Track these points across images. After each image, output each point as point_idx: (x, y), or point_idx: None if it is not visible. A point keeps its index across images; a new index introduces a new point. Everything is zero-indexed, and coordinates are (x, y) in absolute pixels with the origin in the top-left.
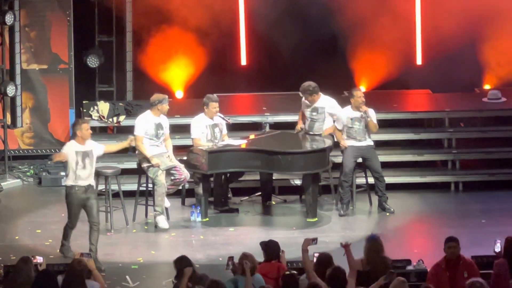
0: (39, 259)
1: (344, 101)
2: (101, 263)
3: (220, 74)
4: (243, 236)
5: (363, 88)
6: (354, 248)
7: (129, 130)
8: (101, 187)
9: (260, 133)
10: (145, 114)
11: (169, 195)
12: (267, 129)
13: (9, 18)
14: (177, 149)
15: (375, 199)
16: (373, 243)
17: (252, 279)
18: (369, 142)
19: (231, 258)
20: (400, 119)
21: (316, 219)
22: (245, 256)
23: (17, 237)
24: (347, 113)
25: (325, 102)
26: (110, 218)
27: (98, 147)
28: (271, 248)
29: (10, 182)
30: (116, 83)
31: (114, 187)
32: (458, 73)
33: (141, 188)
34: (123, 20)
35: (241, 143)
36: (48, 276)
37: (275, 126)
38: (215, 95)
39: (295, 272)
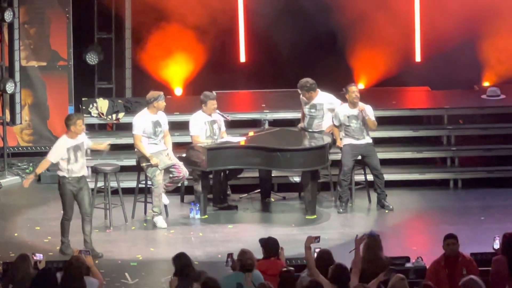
0: (38, 257)
1: (343, 98)
2: (97, 252)
3: (219, 71)
4: (242, 233)
5: (361, 85)
6: (353, 246)
7: (128, 127)
8: (100, 184)
9: (259, 130)
10: (142, 112)
11: (168, 192)
12: (266, 126)
13: (8, 15)
14: (176, 146)
15: (374, 196)
16: (372, 241)
17: (251, 276)
18: (368, 139)
19: (230, 255)
20: (399, 116)
21: (315, 216)
22: (243, 253)
23: (16, 234)
24: (344, 111)
25: (323, 98)
26: (109, 215)
27: (87, 140)
28: (270, 245)
29: (9, 179)
30: (115, 80)
31: (113, 184)
32: (457, 70)
33: (140, 185)
34: (122, 17)
35: (240, 140)
36: (47, 274)
37: (274, 123)
38: (213, 92)
39: (292, 268)
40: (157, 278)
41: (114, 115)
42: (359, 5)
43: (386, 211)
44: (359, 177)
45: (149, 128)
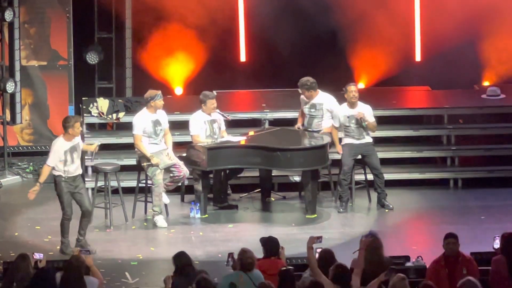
0: (39, 256)
1: (343, 98)
2: (92, 248)
3: (219, 71)
4: (242, 233)
5: (362, 84)
6: (354, 245)
7: (128, 126)
8: (101, 183)
9: (259, 130)
10: (141, 112)
11: (168, 191)
12: (267, 125)
13: (8, 15)
14: (177, 146)
15: (374, 195)
16: (374, 241)
17: (251, 275)
18: (368, 139)
19: (231, 255)
20: (399, 116)
21: (315, 215)
22: (244, 252)
23: (16, 234)
24: (343, 111)
25: (324, 98)
26: (109, 214)
27: (81, 141)
28: (270, 245)
29: (10, 179)
30: (115, 79)
31: (114, 183)
32: (457, 69)
33: (140, 185)
34: (122, 17)
35: (241, 139)
36: (46, 273)
37: (274, 122)
38: (213, 91)
39: (291, 267)
40: (158, 278)
41: (114, 115)
42: (359, 5)
43: (386, 210)
44: (359, 177)
45: (149, 127)
